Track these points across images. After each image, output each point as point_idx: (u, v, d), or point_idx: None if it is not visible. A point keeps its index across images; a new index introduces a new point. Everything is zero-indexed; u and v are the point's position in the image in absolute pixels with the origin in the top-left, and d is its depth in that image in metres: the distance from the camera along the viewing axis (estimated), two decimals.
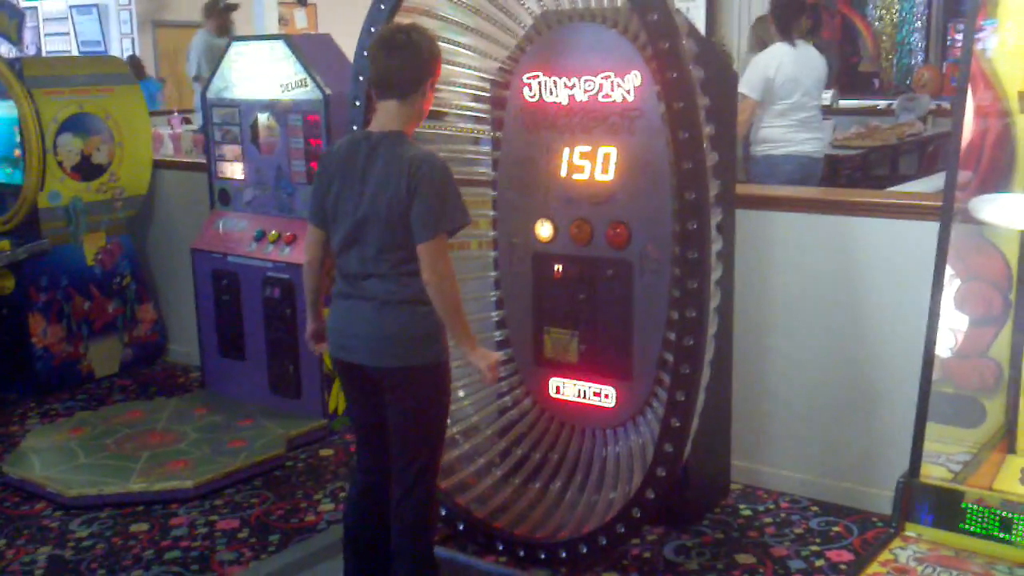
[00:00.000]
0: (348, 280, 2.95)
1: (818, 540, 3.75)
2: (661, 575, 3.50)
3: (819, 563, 3.58)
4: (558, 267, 3.65)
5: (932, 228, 2.91)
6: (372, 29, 3.59)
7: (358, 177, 2.89)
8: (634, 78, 3.37)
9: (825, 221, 3.94)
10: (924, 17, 13.75)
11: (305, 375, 4.90)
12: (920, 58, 13.68)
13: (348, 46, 4.08)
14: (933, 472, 2.73)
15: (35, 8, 14.16)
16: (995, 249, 2.73)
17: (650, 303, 3.45)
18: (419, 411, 2.98)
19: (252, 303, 5.04)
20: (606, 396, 3.61)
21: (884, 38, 13.96)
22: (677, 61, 3.05)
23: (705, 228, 3.11)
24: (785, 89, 5.78)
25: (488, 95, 3.78)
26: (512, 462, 3.78)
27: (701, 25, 9.19)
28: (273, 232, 4.96)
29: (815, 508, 3.99)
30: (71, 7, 14.06)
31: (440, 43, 3.71)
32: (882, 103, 10.71)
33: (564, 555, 3.41)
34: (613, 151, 3.46)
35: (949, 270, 2.77)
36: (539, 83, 3.58)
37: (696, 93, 3.07)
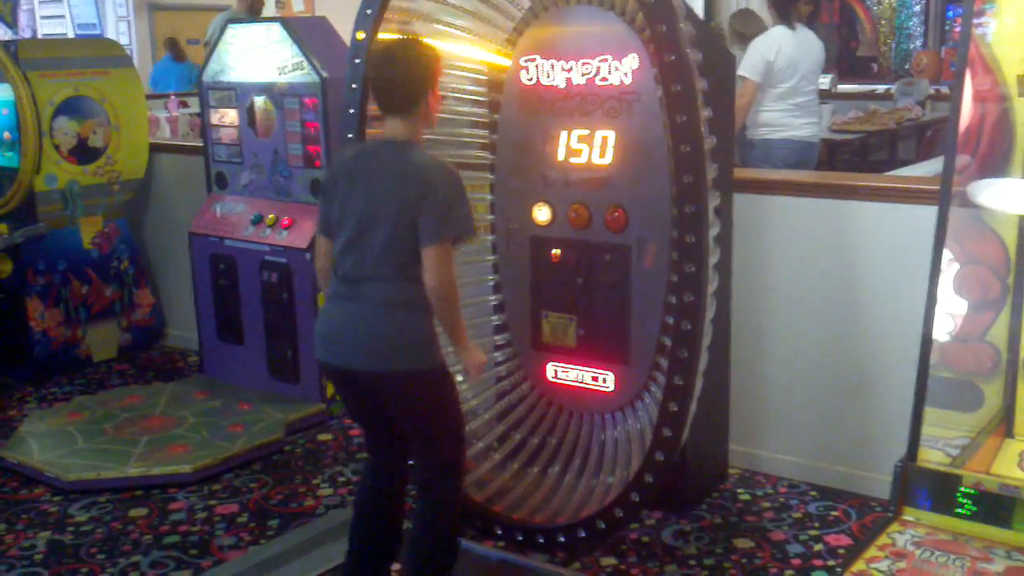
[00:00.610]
0: (346, 283, 2.91)
1: (816, 524, 3.76)
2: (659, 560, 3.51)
3: (817, 547, 3.59)
4: (556, 251, 3.64)
5: (930, 212, 2.90)
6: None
7: (367, 180, 2.88)
8: (632, 61, 3.35)
9: (823, 205, 3.93)
10: (923, 2, 13.72)
11: (303, 359, 4.89)
12: (919, 43, 13.66)
13: (345, 29, 4.06)
14: (931, 456, 2.73)
15: None
16: (993, 233, 2.73)
17: (648, 287, 3.45)
18: (425, 414, 2.98)
19: (250, 287, 5.03)
20: (604, 381, 3.62)
21: (883, 23, 13.94)
22: (675, 44, 3.04)
23: (703, 212, 3.10)
24: (785, 73, 5.77)
25: (485, 78, 3.76)
26: (510, 446, 3.78)
27: (699, 9, 9.17)
28: (270, 216, 4.95)
29: (813, 492, 3.99)
30: None
31: (437, 25, 3.72)
32: (881, 88, 10.70)
33: (562, 539, 3.42)
34: (611, 135, 3.45)
35: (947, 254, 2.77)
36: (536, 66, 3.56)
37: (694, 76, 3.05)
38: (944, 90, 9.46)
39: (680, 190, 3.12)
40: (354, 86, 3.61)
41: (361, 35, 3.57)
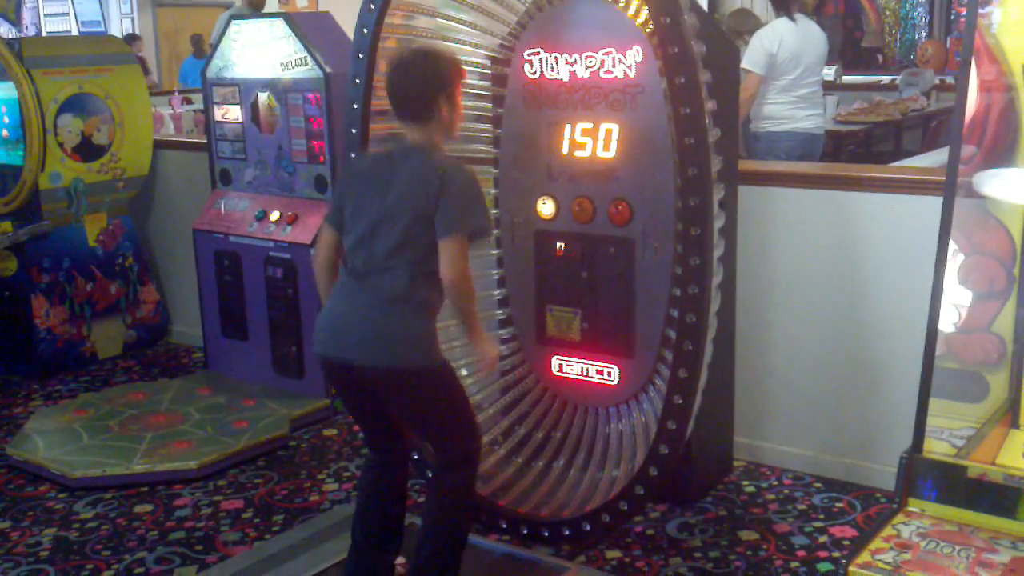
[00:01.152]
0: (355, 276, 2.91)
1: (821, 516, 3.75)
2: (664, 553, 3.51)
3: (822, 539, 3.59)
4: (560, 245, 3.64)
5: (936, 203, 2.89)
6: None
7: (386, 178, 2.89)
8: (635, 54, 3.35)
9: (828, 196, 3.92)
10: None
11: (308, 355, 4.89)
12: (924, 33, 13.61)
13: (348, 24, 4.06)
14: (936, 447, 2.72)
15: None
16: (999, 224, 2.72)
17: (653, 280, 3.45)
18: (426, 411, 2.98)
19: (254, 283, 5.04)
20: (609, 374, 3.61)
21: (888, 13, 13.89)
22: (678, 36, 3.03)
23: (707, 204, 3.09)
24: (787, 65, 5.76)
25: (489, 72, 3.76)
26: (515, 440, 3.78)
27: (703, 1, 9.15)
28: (275, 212, 4.95)
29: (818, 484, 3.99)
30: None
31: (440, 19, 3.71)
32: (886, 78, 10.66)
33: (567, 533, 3.42)
34: (615, 128, 3.44)
35: (952, 245, 2.75)
36: (540, 60, 3.56)
37: (698, 68, 3.05)
38: (949, 80, 9.43)
39: (684, 183, 3.11)
40: (358, 81, 3.61)
41: (365, 30, 3.56)
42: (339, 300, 2.95)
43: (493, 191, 3.80)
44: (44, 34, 13.63)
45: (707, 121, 3.07)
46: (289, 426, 4.59)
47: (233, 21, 5.14)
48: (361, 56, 3.59)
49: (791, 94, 5.84)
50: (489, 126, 3.80)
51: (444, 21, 3.74)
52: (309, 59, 4.73)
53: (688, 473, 3.74)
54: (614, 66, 3.39)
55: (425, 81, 2.87)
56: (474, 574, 3.21)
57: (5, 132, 5.57)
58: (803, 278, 3.99)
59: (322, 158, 4.78)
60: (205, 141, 5.40)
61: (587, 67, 3.46)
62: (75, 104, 5.52)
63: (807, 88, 5.89)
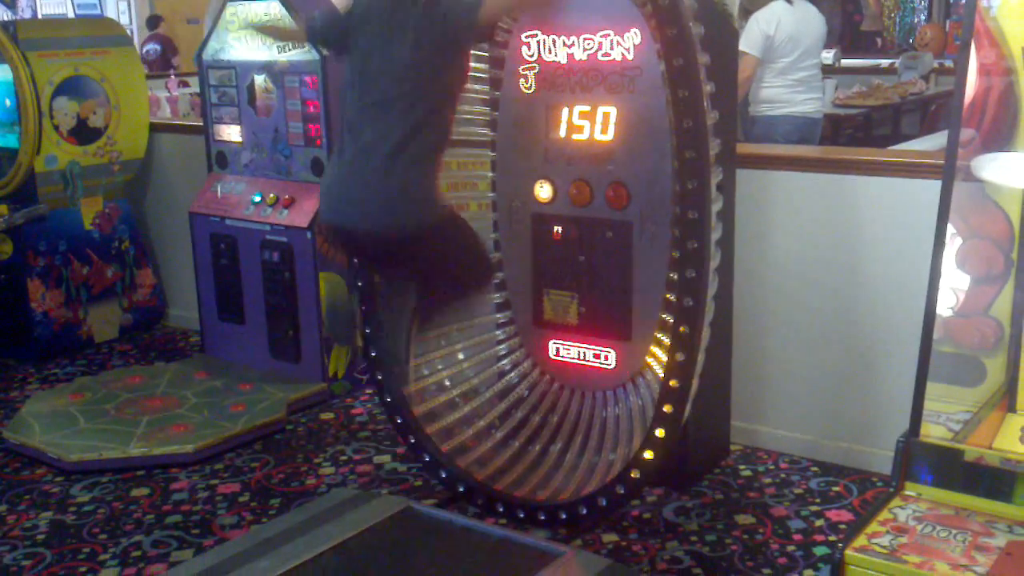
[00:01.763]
0: (353, 133, 2.86)
1: (818, 500, 3.76)
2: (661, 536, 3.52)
3: (819, 523, 3.59)
4: (557, 228, 3.63)
5: (934, 186, 2.88)
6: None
7: (385, 33, 2.88)
8: (633, 36, 3.33)
9: (826, 180, 3.91)
10: None
11: (305, 339, 4.89)
12: (923, 16, 13.58)
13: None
14: (933, 431, 2.72)
15: None
16: (997, 208, 2.71)
17: (650, 264, 3.44)
18: (439, 263, 2.97)
19: (251, 267, 5.02)
20: (606, 358, 3.61)
21: None
22: (676, 17, 3.01)
23: (705, 187, 3.08)
24: (785, 47, 5.74)
25: (486, 54, 3.74)
26: (512, 424, 3.78)
27: None
28: (271, 195, 4.93)
29: (815, 468, 3.99)
30: None
31: None
32: (884, 62, 10.65)
33: (564, 516, 3.42)
34: (612, 111, 3.43)
35: (950, 228, 2.74)
36: (538, 42, 3.54)
37: (696, 50, 3.03)
38: (948, 64, 9.42)
39: (682, 166, 3.10)
40: None
41: None
42: (337, 166, 2.90)
43: (490, 174, 3.78)
44: (40, 16, 13.57)
45: (705, 103, 3.05)
46: (286, 410, 4.59)
47: (229, 3, 5.11)
48: None
49: (789, 77, 5.82)
50: (486, 108, 3.78)
51: None
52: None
53: (685, 457, 3.74)
54: (612, 48, 3.38)
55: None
56: (471, 557, 3.21)
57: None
58: (801, 262, 3.99)
59: (319, 141, 4.77)
60: (201, 124, 5.38)
61: (585, 49, 3.44)
62: (71, 87, 5.50)
63: (805, 71, 5.87)
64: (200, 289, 5.31)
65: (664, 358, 3.29)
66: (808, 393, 4.07)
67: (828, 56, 8.84)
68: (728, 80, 3.64)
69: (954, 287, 2.75)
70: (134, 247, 5.90)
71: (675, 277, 3.23)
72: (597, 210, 3.52)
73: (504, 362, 3.84)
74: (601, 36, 3.39)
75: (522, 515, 3.51)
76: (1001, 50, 2.72)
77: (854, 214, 3.85)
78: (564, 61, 3.49)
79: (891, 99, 8.68)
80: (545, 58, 3.53)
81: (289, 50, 4.77)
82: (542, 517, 3.46)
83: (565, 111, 3.53)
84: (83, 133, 5.58)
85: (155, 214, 6.14)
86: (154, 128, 5.99)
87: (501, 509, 3.56)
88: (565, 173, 3.57)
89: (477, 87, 3.78)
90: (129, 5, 13.63)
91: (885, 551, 2.46)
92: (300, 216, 4.77)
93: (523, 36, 3.56)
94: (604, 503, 3.34)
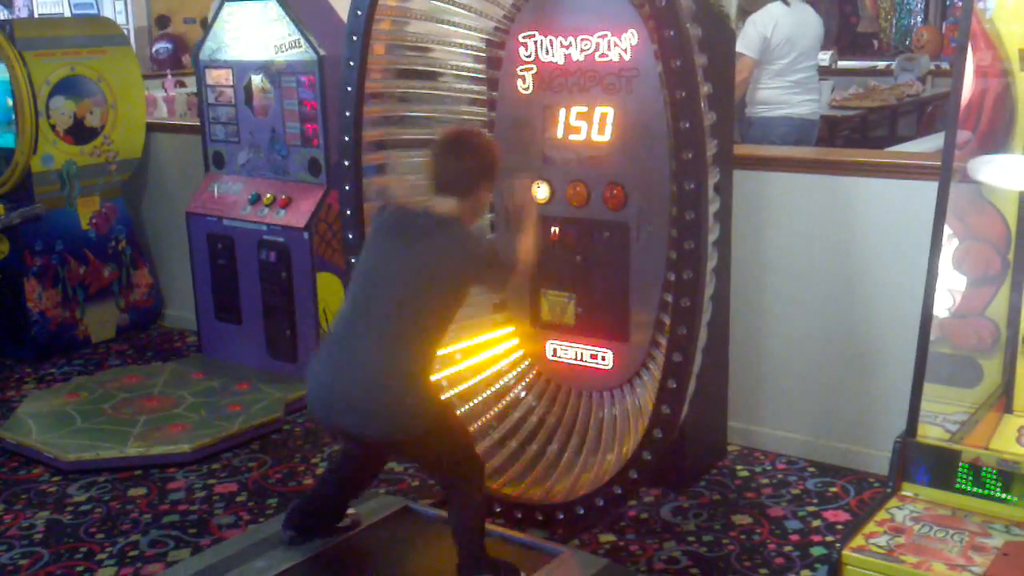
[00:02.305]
0: (352, 324, 2.89)
1: (815, 500, 3.76)
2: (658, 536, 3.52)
3: (816, 523, 3.60)
4: (555, 229, 3.63)
5: (931, 188, 2.88)
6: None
7: (403, 242, 2.90)
8: (631, 37, 3.33)
9: (823, 181, 3.92)
10: None
11: (302, 339, 4.89)
12: (919, 18, 13.60)
13: (342, 7, 4.04)
14: (930, 432, 2.73)
15: None
16: (994, 209, 2.72)
17: (647, 265, 3.44)
18: (427, 458, 3.03)
19: (248, 267, 5.02)
20: (603, 358, 3.61)
21: None
22: (674, 18, 3.01)
23: (702, 188, 3.08)
24: (781, 49, 5.74)
25: (484, 55, 3.74)
26: (509, 425, 3.78)
27: None
28: (268, 195, 4.93)
29: (812, 469, 4.00)
30: None
31: (434, 1, 3.69)
32: (881, 64, 10.66)
33: (561, 516, 3.42)
34: (610, 111, 3.43)
35: (947, 230, 2.76)
36: (535, 42, 3.54)
37: (693, 51, 3.03)
38: (944, 66, 9.43)
39: (680, 167, 3.10)
40: (352, 63, 3.59)
41: (359, 12, 3.54)
42: (325, 363, 2.90)
43: None
44: (36, 15, 13.54)
45: (703, 105, 3.06)
46: (283, 410, 4.58)
47: (227, 3, 5.11)
48: (355, 38, 3.57)
49: (786, 79, 5.82)
50: (484, 109, 3.78)
51: (438, 3, 3.71)
52: (303, 41, 4.70)
53: (682, 457, 3.75)
54: (609, 49, 3.38)
55: (475, 164, 2.94)
56: None
57: None
58: (798, 263, 3.99)
59: (316, 141, 4.77)
60: (198, 124, 5.37)
61: (582, 50, 3.44)
62: (67, 86, 5.50)
63: (802, 73, 5.87)
64: (197, 289, 5.30)
65: (661, 359, 3.29)
66: (805, 394, 4.07)
67: (825, 58, 8.83)
68: (725, 81, 3.64)
69: (951, 288, 2.76)
70: (131, 247, 5.90)
71: (672, 278, 3.23)
72: (594, 211, 3.53)
73: (502, 363, 3.84)
74: (598, 37, 3.39)
75: (519, 515, 3.51)
76: (997, 52, 2.73)
77: (851, 215, 3.85)
78: (561, 62, 3.50)
79: (888, 101, 8.69)
80: (542, 59, 3.54)
81: (286, 50, 4.77)
82: (539, 517, 3.46)
83: (562, 112, 3.53)
84: (80, 133, 5.57)
85: (152, 214, 6.13)
86: (151, 128, 5.99)
87: (498, 509, 3.56)
88: (562, 174, 3.58)
89: (475, 88, 3.79)
90: (126, 5, 13.60)
91: (882, 551, 2.46)
92: (297, 216, 4.77)
93: (520, 36, 3.57)
94: (601, 503, 3.34)
